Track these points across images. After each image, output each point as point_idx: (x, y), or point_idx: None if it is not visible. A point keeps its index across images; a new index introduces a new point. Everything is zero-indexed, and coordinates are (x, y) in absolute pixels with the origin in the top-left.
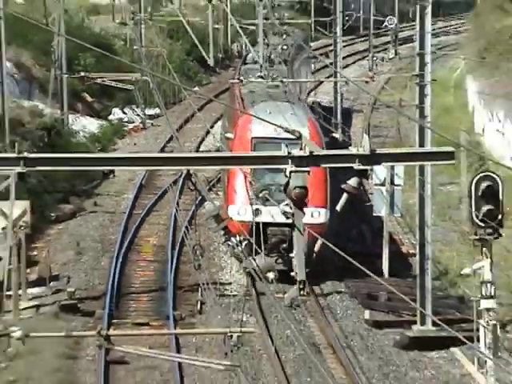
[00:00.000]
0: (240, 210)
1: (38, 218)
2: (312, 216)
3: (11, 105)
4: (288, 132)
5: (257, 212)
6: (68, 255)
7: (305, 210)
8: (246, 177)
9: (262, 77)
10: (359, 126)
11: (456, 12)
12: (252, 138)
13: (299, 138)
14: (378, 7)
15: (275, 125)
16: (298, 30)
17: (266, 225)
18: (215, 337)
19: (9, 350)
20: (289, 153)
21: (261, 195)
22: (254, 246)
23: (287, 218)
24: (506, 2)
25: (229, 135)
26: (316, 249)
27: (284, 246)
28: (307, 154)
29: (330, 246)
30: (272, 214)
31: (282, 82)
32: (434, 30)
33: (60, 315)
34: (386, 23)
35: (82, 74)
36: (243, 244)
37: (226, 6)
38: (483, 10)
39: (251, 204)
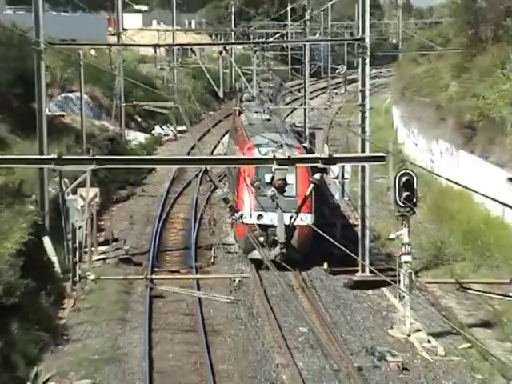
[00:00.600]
0: (247, 216)
1: (104, 200)
2: (301, 219)
3: (87, 123)
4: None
5: (260, 217)
6: (124, 225)
7: (295, 214)
8: (251, 189)
9: (257, 111)
10: (321, 139)
11: (385, 63)
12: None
13: (281, 146)
14: (333, 59)
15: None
16: (277, 76)
17: (267, 226)
18: (223, 280)
19: (86, 287)
20: (274, 156)
21: (255, 185)
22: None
23: (273, 200)
24: (418, 57)
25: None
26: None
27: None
28: (286, 157)
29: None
30: (271, 218)
31: (268, 108)
32: (371, 74)
33: (119, 265)
34: (338, 69)
35: (134, 102)
36: (242, 218)
37: (231, 56)
38: (403, 62)
39: (256, 210)
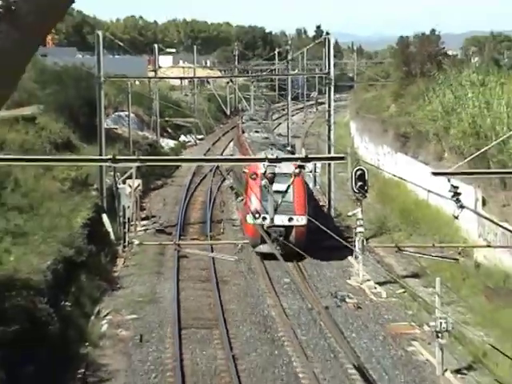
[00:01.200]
0: (254, 217)
1: (145, 188)
2: (297, 220)
3: (133, 133)
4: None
5: (264, 218)
6: (159, 205)
7: (293, 217)
8: (257, 196)
9: (257, 131)
10: (299, 144)
11: (345, 90)
12: (261, 173)
13: (272, 147)
14: (308, 87)
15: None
16: (267, 99)
17: (271, 226)
18: (230, 245)
19: (132, 250)
20: (266, 156)
21: (252, 177)
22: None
23: (265, 188)
24: (368, 86)
25: (245, 170)
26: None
27: (281, 238)
28: (275, 157)
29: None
30: (273, 219)
31: (262, 123)
32: (334, 98)
33: (156, 234)
34: (311, 95)
35: (166, 118)
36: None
37: (235, 86)
38: (357, 90)
39: (262, 213)
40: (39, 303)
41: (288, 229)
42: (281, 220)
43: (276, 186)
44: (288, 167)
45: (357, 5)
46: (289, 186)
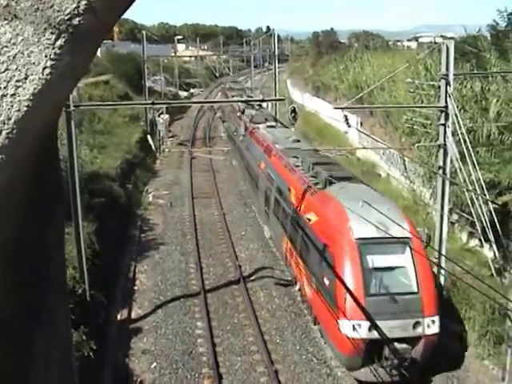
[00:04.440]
0: (355, 325)
1: (171, 119)
2: (428, 326)
3: (163, 89)
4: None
5: (372, 328)
6: (178, 129)
7: (420, 320)
8: (358, 284)
9: (272, 125)
10: (258, 92)
11: (284, 61)
12: (356, 239)
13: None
14: (263, 59)
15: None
16: (238, 67)
17: (385, 341)
18: (220, 150)
19: (164, 154)
20: (239, 99)
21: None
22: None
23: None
24: (296, 59)
25: (309, 216)
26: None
27: (406, 365)
28: (244, 98)
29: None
30: (390, 328)
31: (236, 81)
32: (278, 66)
33: (178, 145)
34: (265, 64)
35: (182, 79)
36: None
37: (221, 60)
38: (291, 61)
39: (367, 318)
40: (114, 186)
41: (410, 341)
42: (399, 328)
43: (381, 261)
44: (401, 231)
45: (292, 13)
46: (401, 262)
